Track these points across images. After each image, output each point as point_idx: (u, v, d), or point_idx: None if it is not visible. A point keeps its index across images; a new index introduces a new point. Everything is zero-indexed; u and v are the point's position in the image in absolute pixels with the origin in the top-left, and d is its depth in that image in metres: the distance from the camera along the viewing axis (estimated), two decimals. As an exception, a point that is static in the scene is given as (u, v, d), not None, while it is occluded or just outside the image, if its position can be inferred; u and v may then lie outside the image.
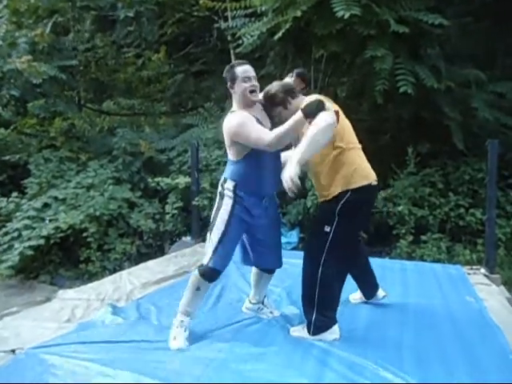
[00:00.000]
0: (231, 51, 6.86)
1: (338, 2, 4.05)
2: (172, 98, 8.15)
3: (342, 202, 2.16)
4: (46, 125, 6.71)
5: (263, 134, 2.09)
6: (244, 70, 2.22)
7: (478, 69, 5.02)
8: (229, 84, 2.26)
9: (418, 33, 4.47)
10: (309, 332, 2.29)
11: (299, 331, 2.35)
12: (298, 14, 4.28)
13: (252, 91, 2.21)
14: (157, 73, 7.89)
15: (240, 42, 5.09)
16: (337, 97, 6.36)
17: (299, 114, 1.93)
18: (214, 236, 2.26)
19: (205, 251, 2.32)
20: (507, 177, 5.01)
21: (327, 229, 2.17)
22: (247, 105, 2.24)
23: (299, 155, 1.89)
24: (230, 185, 2.27)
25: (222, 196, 2.31)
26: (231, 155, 2.29)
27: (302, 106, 1.94)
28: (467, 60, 5.22)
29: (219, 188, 2.34)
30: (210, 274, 2.26)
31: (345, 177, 2.18)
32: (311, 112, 1.89)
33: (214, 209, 2.34)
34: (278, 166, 2.23)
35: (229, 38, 6.49)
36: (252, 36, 4.83)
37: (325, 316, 2.25)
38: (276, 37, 4.49)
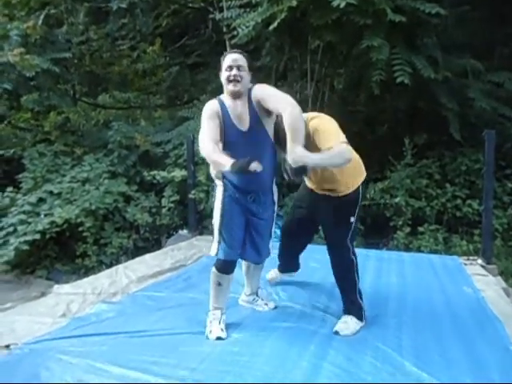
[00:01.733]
0: (227, 42, 6.78)
1: (333, -10, 3.99)
2: (168, 90, 8.08)
3: (359, 192, 2.38)
4: (40, 119, 6.65)
5: (204, 142, 2.08)
6: (230, 58, 2.15)
7: (475, 58, 4.99)
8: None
9: (414, 22, 4.43)
10: (361, 320, 2.36)
11: (348, 327, 2.29)
12: (294, 3, 4.22)
13: (230, 80, 2.12)
14: (152, 65, 7.81)
15: (235, 33, 5.02)
16: (334, 88, 6.33)
17: (224, 162, 1.95)
18: (214, 226, 2.29)
19: None
20: (504, 167, 5.01)
21: (352, 219, 2.35)
22: (229, 94, 2.16)
23: (313, 160, 2.02)
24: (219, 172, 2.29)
25: (216, 185, 2.34)
26: None
27: (231, 164, 1.92)
28: (464, 50, 5.18)
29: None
30: (222, 266, 2.28)
31: (361, 171, 2.42)
32: (233, 171, 1.96)
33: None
34: (267, 166, 2.14)
35: (224, 29, 6.41)
36: (247, 27, 4.76)
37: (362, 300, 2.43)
38: (271, 27, 4.43)
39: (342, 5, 3.87)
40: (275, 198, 2.35)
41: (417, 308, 2.66)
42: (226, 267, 2.27)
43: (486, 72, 5.05)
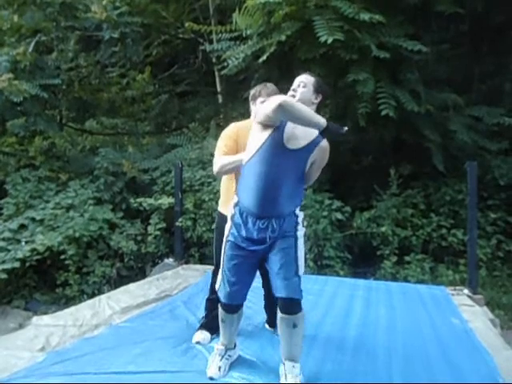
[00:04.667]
0: (216, 73, 6.94)
1: (321, 27, 4.16)
2: (156, 117, 8.12)
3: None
4: (25, 144, 6.56)
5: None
6: (295, 80, 2.11)
7: (455, 93, 5.21)
8: None
9: (397, 58, 4.62)
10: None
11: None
12: (283, 38, 4.37)
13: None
14: (141, 93, 7.85)
15: (225, 64, 5.15)
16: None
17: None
18: (221, 260, 2.13)
19: None
20: (486, 198, 5.13)
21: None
22: None
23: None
24: (233, 202, 2.10)
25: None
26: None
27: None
28: (444, 84, 5.42)
29: None
30: (223, 306, 2.16)
31: None
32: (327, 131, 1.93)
33: None
34: (287, 192, 1.99)
35: (214, 60, 6.57)
36: (237, 59, 4.89)
37: None
38: (260, 60, 4.56)
39: (330, 40, 4.03)
40: (299, 219, 2.08)
41: (406, 340, 2.63)
42: (226, 308, 2.16)
43: (465, 106, 5.27)
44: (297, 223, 2.06)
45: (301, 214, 2.10)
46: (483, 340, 2.65)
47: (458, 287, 3.98)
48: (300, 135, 2.00)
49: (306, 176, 2.11)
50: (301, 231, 2.07)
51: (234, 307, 2.14)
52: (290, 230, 2.03)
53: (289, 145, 1.98)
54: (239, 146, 2.33)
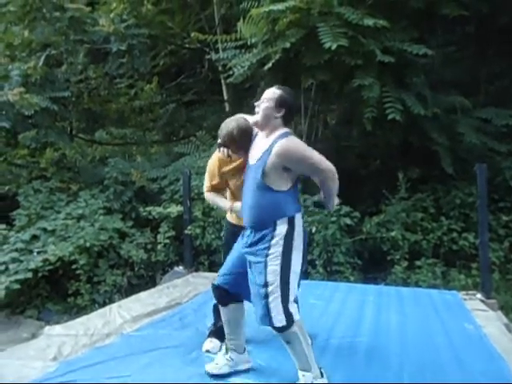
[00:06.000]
0: (222, 81, 7.00)
1: (325, 33, 4.18)
2: (164, 127, 8.21)
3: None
4: (36, 155, 6.68)
5: None
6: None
7: (463, 95, 5.17)
8: None
9: (402, 62, 4.62)
10: None
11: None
12: (287, 45, 4.40)
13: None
14: (149, 103, 7.95)
15: (231, 72, 5.19)
16: (327, 124, 6.48)
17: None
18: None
19: None
20: (497, 200, 5.06)
21: None
22: None
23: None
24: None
25: None
26: None
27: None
28: (451, 87, 5.38)
29: None
30: (214, 293, 2.21)
31: None
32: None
33: None
34: (252, 203, 2.03)
35: (220, 68, 6.64)
36: (242, 67, 4.94)
37: None
38: (266, 67, 4.59)
39: (334, 47, 4.04)
40: (276, 239, 1.96)
41: (418, 346, 2.60)
42: (216, 295, 2.20)
43: (473, 108, 5.22)
44: (270, 244, 1.95)
45: (282, 231, 1.95)
46: (497, 345, 2.61)
47: (470, 292, 3.93)
48: (259, 149, 2.07)
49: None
50: (275, 250, 1.94)
51: (224, 294, 2.15)
52: (263, 244, 1.96)
53: (250, 161, 2.13)
54: (222, 178, 2.37)
